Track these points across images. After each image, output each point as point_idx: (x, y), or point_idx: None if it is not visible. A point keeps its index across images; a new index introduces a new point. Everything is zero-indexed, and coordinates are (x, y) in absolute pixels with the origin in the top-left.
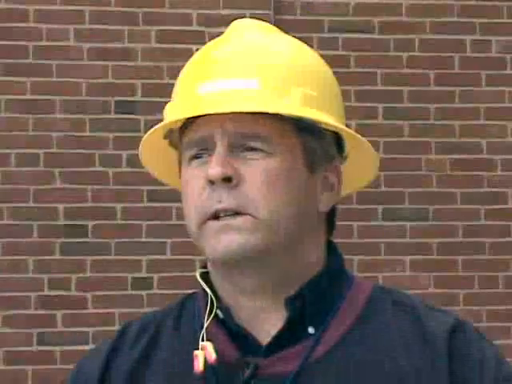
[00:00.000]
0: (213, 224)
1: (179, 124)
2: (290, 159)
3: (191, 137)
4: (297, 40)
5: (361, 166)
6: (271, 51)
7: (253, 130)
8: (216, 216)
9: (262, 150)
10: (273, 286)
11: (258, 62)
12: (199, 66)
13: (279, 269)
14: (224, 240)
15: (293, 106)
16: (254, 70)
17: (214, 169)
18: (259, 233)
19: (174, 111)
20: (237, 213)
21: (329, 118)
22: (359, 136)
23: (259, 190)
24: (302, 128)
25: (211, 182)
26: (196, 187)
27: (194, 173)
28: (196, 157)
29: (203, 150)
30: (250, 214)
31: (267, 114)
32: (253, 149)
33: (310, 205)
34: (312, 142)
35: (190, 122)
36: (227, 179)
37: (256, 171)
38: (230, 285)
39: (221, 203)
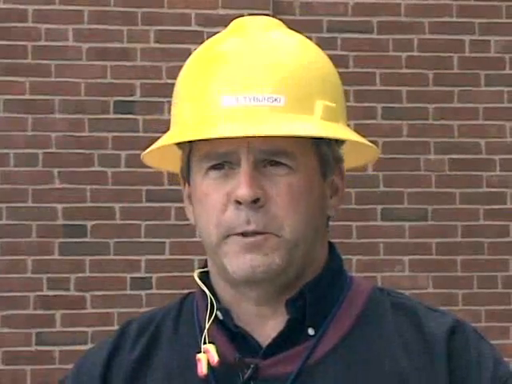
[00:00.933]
0: (238, 240)
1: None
2: (310, 173)
3: (212, 149)
4: (305, 38)
5: (355, 160)
6: (289, 56)
7: (278, 147)
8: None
9: (286, 165)
10: (279, 293)
11: (281, 73)
12: (218, 72)
13: (291, 278)
14: (249, 260)
15: (317, 122)
16: (278, 84)
17: (243, 190)
18: (283, 250)
19: (196, 124)
20: (262, 232)
21: (346, 129)
22: (375, 147)
23: (284, 209)
24: (319, 139)
25: (238, 203)
26: (217, 202)
27: (214, 185)
28: (214, 167)
29: (224, 163)
30: (273, 233)
31: None
32: (277, 163)
33: (323, 212)
34: (326, 150)
35: None
36: (255, 200)
37: (281, 189)
38: (233, 290)
39: (249, 225)
